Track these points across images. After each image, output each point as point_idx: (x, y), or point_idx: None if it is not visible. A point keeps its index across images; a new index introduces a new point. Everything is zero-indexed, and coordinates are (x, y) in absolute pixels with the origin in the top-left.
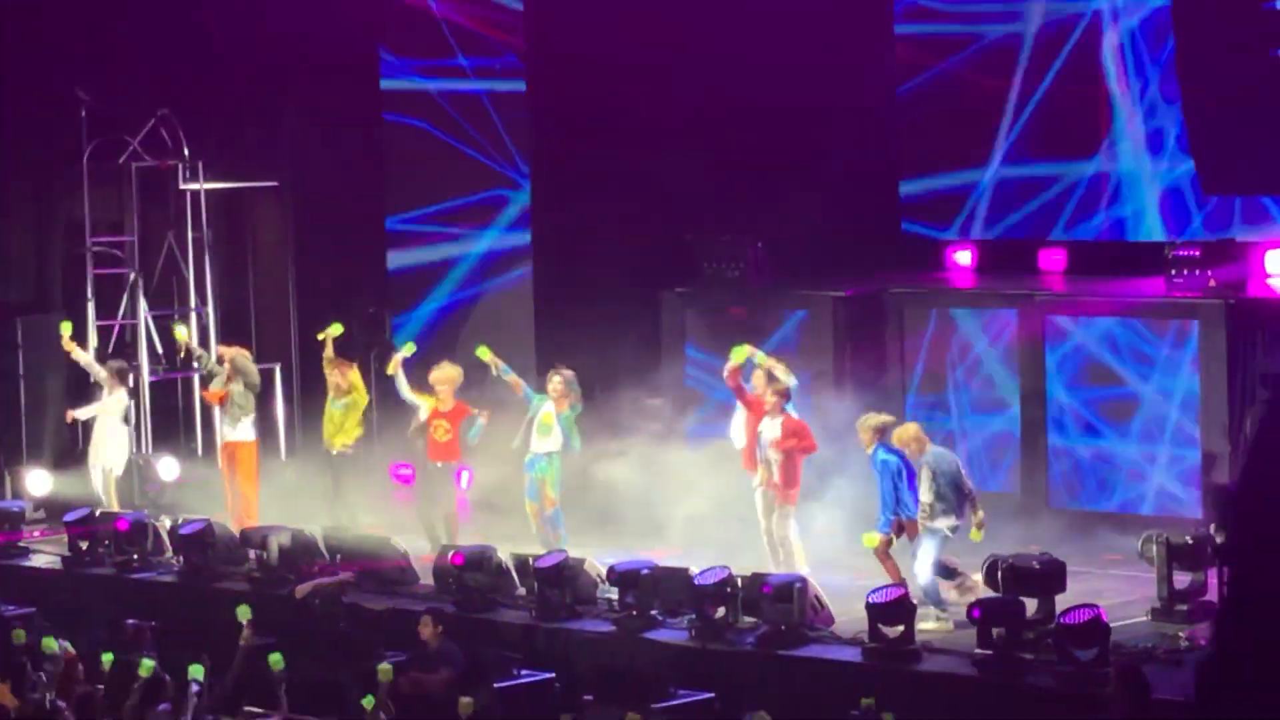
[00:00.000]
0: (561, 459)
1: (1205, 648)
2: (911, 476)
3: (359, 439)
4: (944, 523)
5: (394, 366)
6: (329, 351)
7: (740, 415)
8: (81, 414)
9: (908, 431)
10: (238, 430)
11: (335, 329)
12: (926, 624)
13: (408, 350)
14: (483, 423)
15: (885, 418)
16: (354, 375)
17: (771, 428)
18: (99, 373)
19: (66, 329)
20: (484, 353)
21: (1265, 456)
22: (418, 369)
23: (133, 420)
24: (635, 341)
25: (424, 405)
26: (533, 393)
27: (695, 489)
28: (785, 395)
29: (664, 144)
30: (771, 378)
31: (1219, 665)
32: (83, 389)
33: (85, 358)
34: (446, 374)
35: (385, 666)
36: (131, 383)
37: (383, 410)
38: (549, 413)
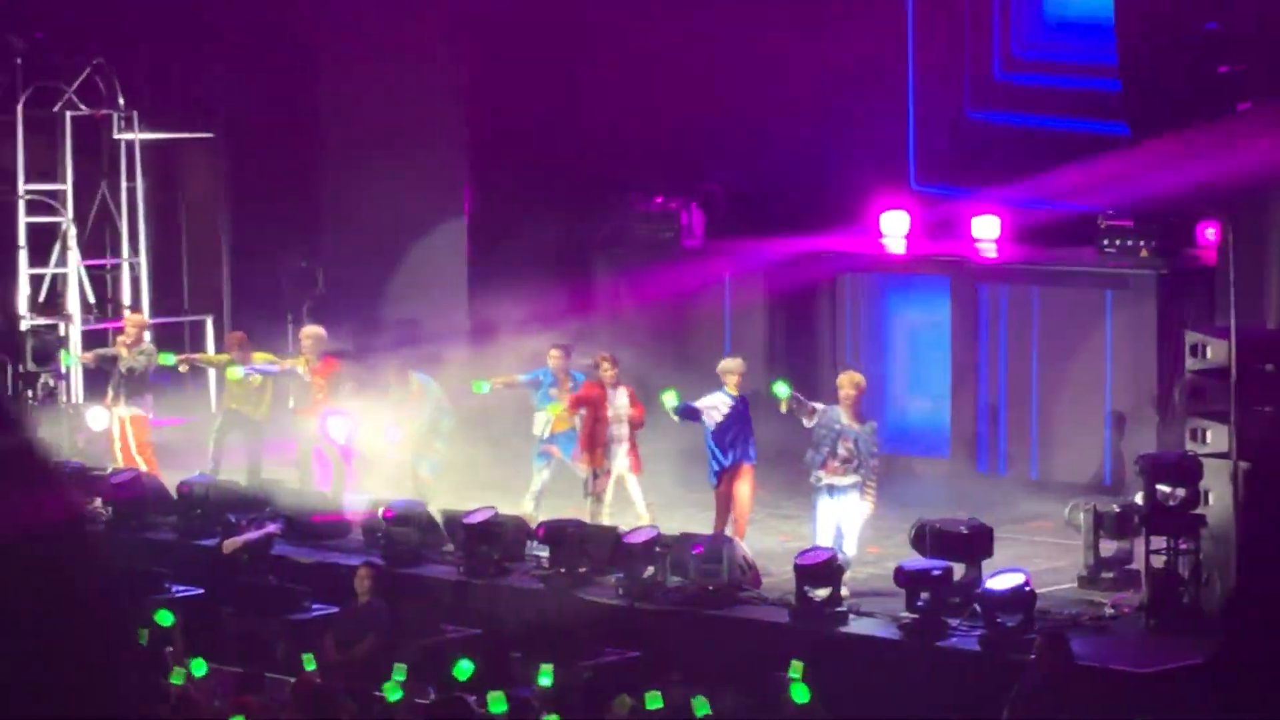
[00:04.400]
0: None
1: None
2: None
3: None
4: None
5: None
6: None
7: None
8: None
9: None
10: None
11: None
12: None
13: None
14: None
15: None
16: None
17: (619, 399)
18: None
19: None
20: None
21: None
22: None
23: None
24: (568, 302)
25: (296, 366)
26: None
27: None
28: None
29: (599, 99)
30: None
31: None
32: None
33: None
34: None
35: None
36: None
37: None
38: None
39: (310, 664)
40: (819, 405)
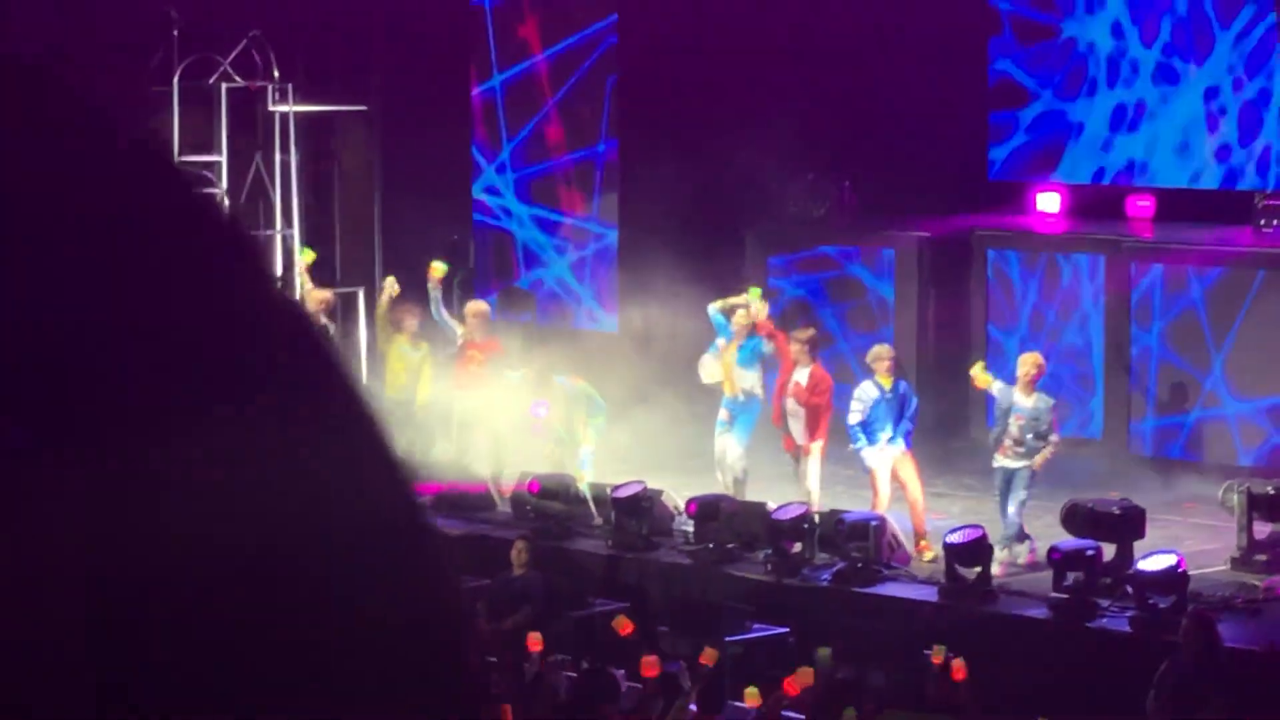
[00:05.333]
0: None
1: None
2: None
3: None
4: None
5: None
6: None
7: (715, 357)
8: None
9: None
10: None
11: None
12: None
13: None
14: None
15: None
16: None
17: (801, 377)
18: None
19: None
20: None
21: None
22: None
23: None
24: (721, 281)
25: (459, 330)
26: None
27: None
28: (812, 344)
29: (750, 82)
30: (799, 331)
31: None
32: None
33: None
34: (478, 307)
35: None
36: None
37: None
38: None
39: None
40: (1000, 385)
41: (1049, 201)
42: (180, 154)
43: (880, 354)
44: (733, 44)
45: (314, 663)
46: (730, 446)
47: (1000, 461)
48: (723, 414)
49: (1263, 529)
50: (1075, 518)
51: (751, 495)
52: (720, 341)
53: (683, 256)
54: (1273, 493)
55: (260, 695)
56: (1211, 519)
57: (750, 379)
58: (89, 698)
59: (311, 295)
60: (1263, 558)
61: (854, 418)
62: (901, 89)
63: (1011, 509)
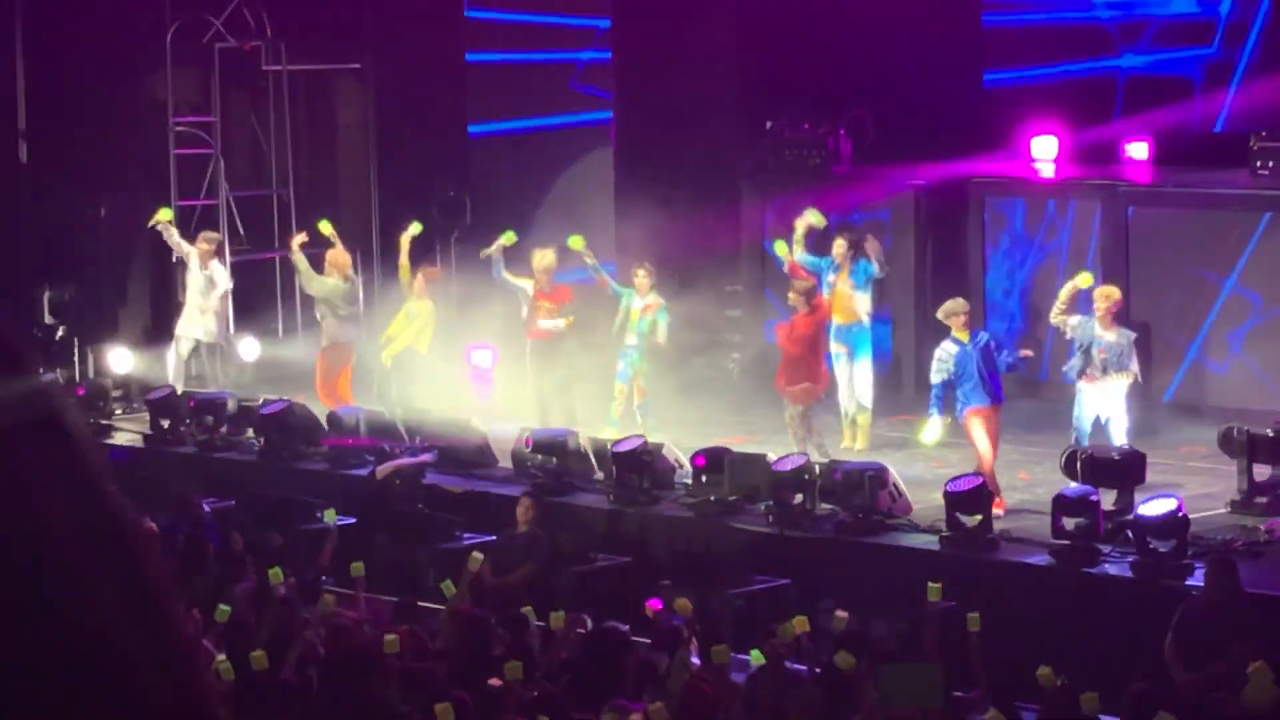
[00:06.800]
0: (650, 350)
1: None
2: None
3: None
4: None
5: (495, 250)
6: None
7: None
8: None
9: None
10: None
11: (415, 228)
12: None
13: (508, 239)
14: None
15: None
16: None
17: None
18: (186, 251)
19: (166, 214)
20: (576, 242)
21: None
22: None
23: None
24: (714, 230)
25: (526, 286)
26: (620, 287)
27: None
28: (809, 294)
29: (748, 25)
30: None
31: None
32: (166, 269)
33: (175, 237)
34: (547, 261)
35: (476, 555)
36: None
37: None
38: (636, 308)
39: (449, 590)
40: (1077, 318)
41: (1045, 146)
42: (175, 114)
43: (953, 309)
44: None
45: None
46: (859, 375)
47: (1085, 386)
48: (835, 347)
49: (1263, 471)
50: (1075, 463)
51: (755, 448)
52: (831, 277)
53: (678, 208)
54: (1272, 435)
55: None
56: (1211, 462)
57: (866, 302)
58: None
59: (332, 258)
60: (1263, 500)
61: (936, 377)
62: (894, 34)
63: (1120, 436)
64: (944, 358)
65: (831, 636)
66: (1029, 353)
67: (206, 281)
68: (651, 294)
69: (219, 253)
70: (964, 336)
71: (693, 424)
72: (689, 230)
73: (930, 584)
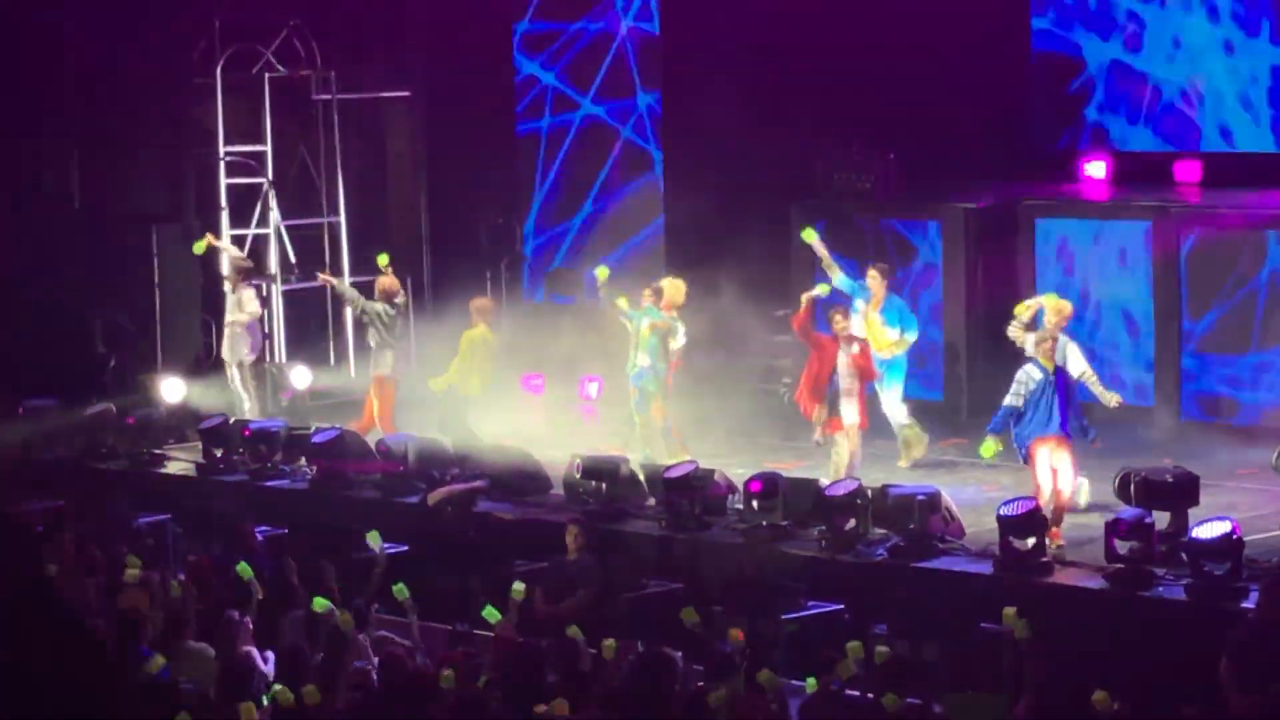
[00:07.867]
0: (662, 376)
1: None
2: None
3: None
4: None
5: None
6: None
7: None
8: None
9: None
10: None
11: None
12: None
13: (603, 274)
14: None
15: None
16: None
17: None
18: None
19: (204, 245)
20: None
21: None
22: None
23: (261, 319)
24: (765, 254)
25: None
26: (631, 312)
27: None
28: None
29: (797, 49)
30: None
31: None
32: (218, 299)
33: (232, 251)
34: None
35: (519, 586)
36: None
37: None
38: (644, 327)
39: (493, 617)
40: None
41: (1096, 169)
42: (226, 143)
43: (1041, 337)
44: (776, 8)
45: None
46: (892, 401)
47: None
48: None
49: None
50: (1129, 487)
51: (805, 474)
52: (859, 304)
53: (727, 233)
54: None
55: None
56: (1265, 484)
57: (896, 334)
58: None
59: (382, 285)
60: None
61: (1012, 400)
62: (944, 58)
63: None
64: (1024, 380)
65: (875, 668)
66: (1118, 400)
67: (235, 304)
68: (659, 313)
69: (247, 276)
70: (1049, 365)
71: (744, 450)
72: (738, 254)
73: (1005, 609)
